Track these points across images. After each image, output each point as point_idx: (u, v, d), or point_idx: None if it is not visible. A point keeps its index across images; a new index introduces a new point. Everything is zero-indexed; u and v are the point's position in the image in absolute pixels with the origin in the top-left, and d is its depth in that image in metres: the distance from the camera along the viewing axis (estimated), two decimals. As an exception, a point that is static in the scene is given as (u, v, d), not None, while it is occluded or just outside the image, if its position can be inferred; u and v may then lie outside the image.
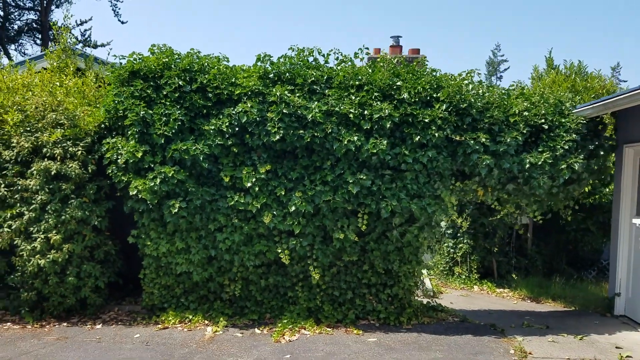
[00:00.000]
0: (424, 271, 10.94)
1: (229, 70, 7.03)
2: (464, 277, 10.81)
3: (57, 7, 25.05)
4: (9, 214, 6.80)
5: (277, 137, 6.55)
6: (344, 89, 6.77)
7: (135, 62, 7.03)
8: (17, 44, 24.70)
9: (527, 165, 6.60)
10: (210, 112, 6.89)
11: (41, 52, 9.43)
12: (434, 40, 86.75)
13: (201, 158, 6.65)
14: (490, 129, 6.66)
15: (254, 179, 6.65)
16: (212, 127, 6.71)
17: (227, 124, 6.68)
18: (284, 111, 6.55)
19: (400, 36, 17.31)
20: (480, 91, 6.78)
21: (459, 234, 10.85)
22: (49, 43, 9.23)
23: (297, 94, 6.72)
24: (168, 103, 6.82)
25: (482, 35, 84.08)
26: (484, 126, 6.65)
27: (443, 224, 11.23)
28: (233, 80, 6.88)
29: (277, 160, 6.86)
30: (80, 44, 24.97)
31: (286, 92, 6.64)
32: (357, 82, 6.76)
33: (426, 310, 7.52)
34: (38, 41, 24.19)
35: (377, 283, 7.12)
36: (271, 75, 6.90)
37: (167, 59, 7.01)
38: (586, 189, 9.46)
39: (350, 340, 6.37)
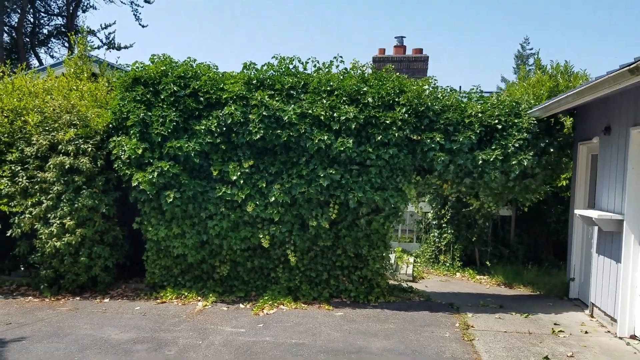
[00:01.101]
0: (411, 258, 11.79)
1: (218, 76, 7.98)
2: (447, 264, 11.59)
3: (84, 12, 26.63)
4: (30, 202, 7.92)
5: (258, 136, 7.48)
6: (317, 94, 7.65)
7: (137, 70, 8.04)
8: (47, 47, 26.41)
9: (480, 162, 7.38)
10: (202, 113, 7.85)
11: (68, 55, 10.51)
12: (462, 34, 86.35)
13: (193, 154, 7.63)
14: (446, 129, 7.47)
15: (239, 173, 7.60)
16: (203, 127, 7.68)
17: (215, 124, 7.64)
18: (264, 113, 7.47)
19: (404, 36, 18.10)
20: (440, 95, 7.57)
21: (443, 225, 11.62)
22: (73, 49, 10.26)
23: (276, 98, 7.63)
24: (165, 106, 7.82)
25: (511, 27, 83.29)
26: (440, 127, 7.46)
27: (429, 215, 12.03)
28: (221, 86, 7.83)
29: (259, 157, 7.79)
30: (105, 47, 26.51)
31: (266, 96, 7.56)
32: (328, 88, 7.63)
33: (395, 290, 8.37)
34: (66, 44, 25.68)
35: (349, 266, 8.01)
36: (254, 82, 7.82)
37: (164, 67, 8.00)
38: (564, 183, 10.16)
39: (320, 314, 7.29)
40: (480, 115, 7.52)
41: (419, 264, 11.83)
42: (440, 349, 5.86)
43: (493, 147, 7.47)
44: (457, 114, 7.51)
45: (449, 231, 11.47)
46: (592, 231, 7.37)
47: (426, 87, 7.62)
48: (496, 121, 7.53)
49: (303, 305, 7.69)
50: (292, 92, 7.72)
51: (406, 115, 7.40)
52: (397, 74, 7.94)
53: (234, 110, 7.54)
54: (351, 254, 7.91)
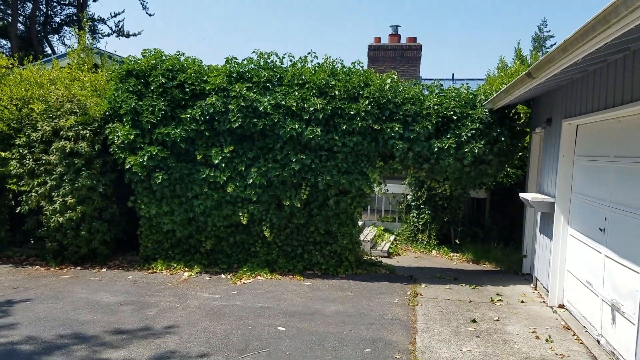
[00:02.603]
0: (392, 237, 12.63)
1: (202, 69, 8.80)
2: (424, 242, 12.39)
3: (94, 0, 27.65)
4: (36, 182, 8.89)
5: (237, 124, 8.32)
6: (290, 86, 8.45)
7: (130, 63, 8.89)
8: (59, 35, 27.51)
9: (436, 149, 8.15)
10: (187, 103, 8.70)
11: (78, 43, 11.38)
12: (476, 15, 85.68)
13: (179, 140, 8.50)
14: (405, 120, 8.24)
15: (220, 157, 8.46)
16: (188, 116, 8.53)
17: (199, 113, 8.49)
18: (242, 104, 8.30)
19: (398, 26, 18.73)
20: (401, 88, 8.33)
21: (421, 206, 12.41)
22: (82, 40, 11.09)
23: (254, 90, 8.45)
24: (154, 96, 8.68)
25: (528, 8, 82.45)
26: (400, 117, 8.23)
27: (409, 196, 12.82)
28: (205, 78, 8.66)
29: (239, 143, 8.63)
30: (115, 34, 27.51)
31: (244, 88, 8.38)
32: (300, 81, 8.43)
33: (364, 264, 9.22)
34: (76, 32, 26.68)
35: (321, 241, 8.88)
36: (235, 75, 8.64)
37: (154, 61, 8.84)
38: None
39: (291, 283, 8.19)
40: (437, 107, 8.26)
41: (399, 242, 12.66)
42: (385, 312, 6.73)
43: (448, 136, 8.22)
44: (416, 106, 8.26)
45: (426, 212, 12.25)
46: (537, 213, 8.13)
47: (388, 81, 8.36)
48: (452, 112, 8.27)
49: (278, 276, 8.59)
50: (268, 84, 8.53)
51: (369, 107, 8.18)
52: (365, 69, 8.69)
53: (215, 100, 8.38)
54: (322, 231, 8.77)
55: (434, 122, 8.21)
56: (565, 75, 5.92)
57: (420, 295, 7.55)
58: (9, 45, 23.45)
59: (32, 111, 9.20)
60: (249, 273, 8.55)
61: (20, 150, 9.08)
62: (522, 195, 7.91)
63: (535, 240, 8.19)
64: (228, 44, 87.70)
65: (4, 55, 10.76)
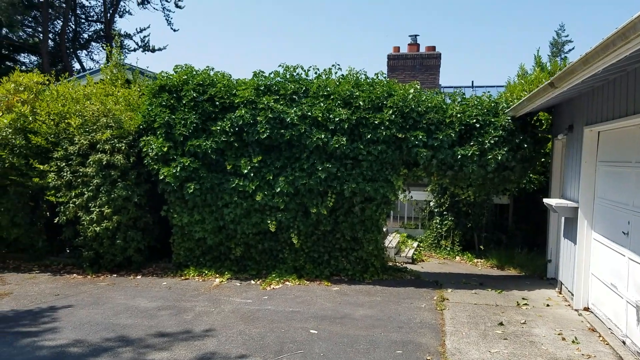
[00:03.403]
0: (415, 243, 12.81)
1: (231, 83, 9.16)
2: (448, 249, 12.55)
3: (120, 17, 28.56)
4: (73, 193, 9.31)
5: (265, 135, 8.63)
6: (316, 98, 8.75)
7: (162, 79, 9.29)
8: (87, 50, 28.48)
9: (459, 156, 8.35)
10: (217, 116, 9.05)
11: (106, 59, 11.88)
12: (495, 20, 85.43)
13: (210, 151, 8.84)
14: (428, 128, 8.46)
15: (249, 167, 8.78)
16: (218, 128, 8.87)
17: (229, 125, 8.82)
18: (270, 115, 8.61)
19: (417, 35, 19.03)
20: (424, 98, 8.56)
21: (444, 212, 12.57)
22: (110, 57, 11.57)
23: (281, 102, 8.76)
24: (186, 110, 9.05)
25: (545, 15, 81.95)
26: (424, 126, 8.45)
27: (432, 203, 13.00)
28: (234, 92, 9.01)
29: (267, 153, 8.94)
30: (140, 49, 28.35)
31: (272, 100, 8.70)
32: (325, 92, 8.72)
33: (390, 270, 9.43)
34: (105, 47, 27.57)
35: (347, 248, 9.12)
36: (262, 88, 8.97)
37: (185, 76, 9.22)
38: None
39: (319, 289, 8.43)
40: (459, 115, 8.47)
41: (422, 248, 12.83)
42: (412, 316, 6.93)
43: (471, 144, 8.41)
44: (439, 114, 8.49)
45: (449, 218, 12.41)
46: (561, 218, 8.25)
47: (411, 90, 8.61)
48: (474, 120, 8.46)
49: (306, 282, 8.84)
50: (294, 96, 8.84)
51: (393, 116, 8.43)
52: (388, 79, 8.95)
53: (244, 113, 8.71)
54: (348, 237, 9.01)
55: (457, 130, 8.41)
56: (586, 84, 6.10)
57: (447, 299, 7.73)
58: (40, 61, 24.30)
59: (69, 125, 9.64)
60: (277, 279, 8.82)
61: (58, 163, 9.51)
62: (546, 200, 8.05)
63: (560, 245, 8.31)
64: (249, 56, 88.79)
65: (39, 72, 11.26)
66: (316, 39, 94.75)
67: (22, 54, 26.59)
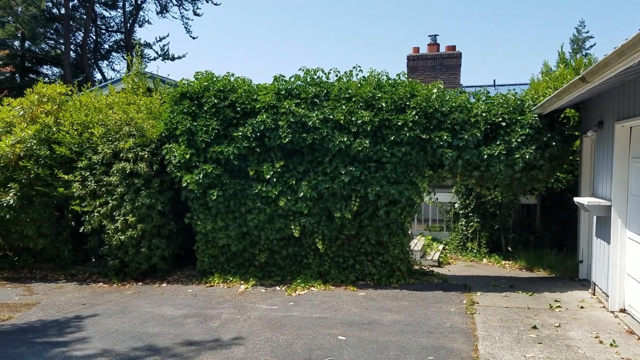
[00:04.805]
0: (440, 246, 12.61)
1: (252, 88, 9.12)
2: (474, 251, 12.31)
3: (140, 26, 29.00)
4: (98, 202, 9.36)
5: (287, 139, 8.57)
6: (338, 101, 8.66)
7: (184, 86, 9.30)
8: (108, 60, 28.97)
9: (486, 156, 8.17)
10: (239, 122, 9.02)
11: (127, 68, 11.99)
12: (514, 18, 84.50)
13: (232, 157, 8.81)
14: (453, 128, 8.30)
15: (272, 172, 8.72)
16: (240, 133, 8.84)
17: (250, 130, 8.78)
18: (291, 120, 8.55)
19: (437, 35, 18.80)
20: (448, 97, 8.41)
21: (469, 214, 12.35)
22: (130, 66, 11.69)
23: (302, 106, 8.69)
24: (207, 116, 9.04)
25: (564, 11, 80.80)
26: (448, 126, 8.30)
27: (457, 205, 12.79)
28: (255, 97, 8.97)
29: (289, 157, 8.87)
30: (160, 58, 28.72)
31: (293, 104, 8.63)
32: (347, 95, 8.63)
33: (416, 274, 9.27)
34: (125, 57, 28.01)
35: (372, 252, 8.99)
36: (283, 92, 8.91)
37: (206, 83, 9.22)
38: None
39: (345, 294, 8.32)
40: (485, 114, 8.29)
41: (447, 251, 12.62)
42: (442, 320, 6.78)
43: (498, 143, 8.23)
44: (463, 114, 8.33)
45: (475, 220, 12.18)
46: (593, 217, 8.01)
47: (434, 90, 8.46)
48: (500, 119, 8.28)
49: (331, 287, 8.74)
50: (315, 100, 8.77)
51: (416, 117, 8.29)
52: (410, 79, 8.82)
53: (265, 118, 8.66)
54: (373, 241, 8.88)
55: (483, 129, 8.24)
56: (618, 78, 5.89)
57: (477, 303, 7.55)
58: (63, 72, 24.71)
59: (92, 135, 9.71)
60: (302, 285, 8.73)
61: (82, 173, 9.58)
62: (576, 199, 7.83)
63: (592, 245, 8.07)
64: (268, 61, 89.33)
65: (62, 83, 11.38)
66: (334, 44, 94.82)
67: (45, 66, 27.12)
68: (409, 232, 9.06)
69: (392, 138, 8.31)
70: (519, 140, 8.14)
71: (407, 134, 8.25)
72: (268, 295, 8.35)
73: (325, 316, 7.09)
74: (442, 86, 8.59)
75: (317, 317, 7.04)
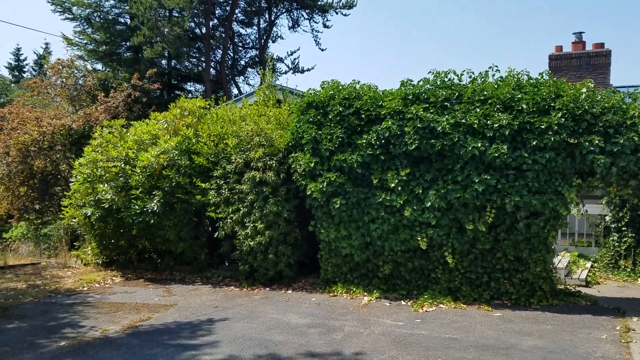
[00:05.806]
0: (588, 263, 11.28)
1: (377, 95, 8.87)
2: (628, 270, 10.82)
3: (273, 42, 30.40)
4: (231, 209, 9.72)
5: (414, 146, 8.17)
6: (471, 103, 8.07)
7: (310, 96, 9.34)
8: (244, 76, 30.81)
9: (645, 163, 7.04)
10: (363, 129, 8.81)
11: (260, 82, 12.49)
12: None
13: (356, 165, 8.62)
14: (606, 132, 7.28)
15: (397, 180, 8.37)
16: (364, 141, 8.62)
17: (375, 138, 8.53)
18: (418, 125, 8.13)
19: (583, 32, 17.21)
20: (599, 98, 7.41)
21: (622, 228, 10.88)
22: (263, 80, 12.13)
23: (431, 110, 8.24)
24: (332, 125, 8.96)
25: None
26: (600, 129, 7.29)
27: (607, 217, 11.35)
28: (380, 103, 8.70)
29: (415, 165, 8.45)
30: (291, 71, 29.84)
31: (421, 109, 8.22)
32: (482, 97, 8.00)
33: (561, 294, 8.29)
34: (259, 72, 29.50)
35: (510, 268, 8.20)
36: (410, 97, 8.53)
37: (332, 91, 9.16)
38: None
39: (478, 314, 7.66)
40: (644, 115, 7.17)
41: (596, 269, 11.23)
42: (592, 349, 5.89)
43: (660, 148, 7.06)
44: (617, 115, 7.29)
45: (629, 235, 10.69)
46: None
47: (583, 90, 7.51)
48: (663, 120, 7.11)
49: (462, 305, 8.11)
50: (446, 103, 8.26)
51: (562, 119, 7.42)
52: (555, 79, 7.94)
53: (390, 124, 8.35)
54: (511, 257, 8.09)
55: (642, 132, 7.13)
56: None
57: (633, 330, 6.50)
58: (204, 88, 26.63)
59: (226, 146, 10.14)
60: (430, 300, 8.22)
61: (217, 181, 10.03)
62: None
63: None
64: (394, 67, 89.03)
65: (202, 98, 12.11)
66: (468, 45, 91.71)
67: (189, 83, 29.46)
68: (553, 247, 8.12)
69: (534, 143, 7.51)
70: (690, 143, 6.91)
71: (552, 138, 7.40)
72: (392, 310, 7.97)
73: (456, 337, 6.53)
74: (592, 85, 7.61)
75: (446, 338, 6.51)
